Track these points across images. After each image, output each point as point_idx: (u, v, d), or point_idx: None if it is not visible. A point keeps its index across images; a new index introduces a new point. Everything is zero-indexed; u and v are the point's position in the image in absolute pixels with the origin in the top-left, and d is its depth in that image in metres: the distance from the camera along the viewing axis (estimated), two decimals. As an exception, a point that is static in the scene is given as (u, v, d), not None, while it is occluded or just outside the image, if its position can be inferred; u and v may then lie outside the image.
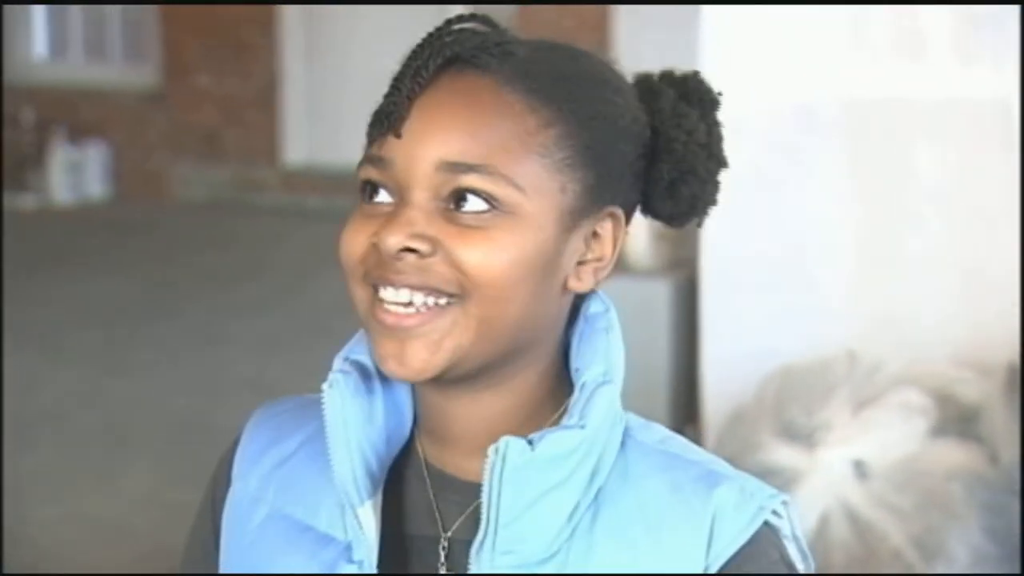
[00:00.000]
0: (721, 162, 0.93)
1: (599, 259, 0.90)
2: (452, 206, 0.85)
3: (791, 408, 2.66)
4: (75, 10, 7.82)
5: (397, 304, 0.85)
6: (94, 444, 4.12)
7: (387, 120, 0.86)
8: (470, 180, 0.85)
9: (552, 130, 0.87)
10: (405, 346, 0.86)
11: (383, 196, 0.87)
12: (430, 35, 0.88)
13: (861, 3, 2.90)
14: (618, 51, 5.45)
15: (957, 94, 2.92)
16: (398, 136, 0.86)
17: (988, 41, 2.87)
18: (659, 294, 3.30)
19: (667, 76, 0.93)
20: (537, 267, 0.87)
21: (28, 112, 7.54)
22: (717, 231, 2.91)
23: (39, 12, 7.84)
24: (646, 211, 0.93)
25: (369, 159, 0.87)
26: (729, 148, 0.94)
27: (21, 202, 7.31)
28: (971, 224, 2.94)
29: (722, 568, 0.87)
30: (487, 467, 0.86)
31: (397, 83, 0.87)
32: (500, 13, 7.17)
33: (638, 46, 5.18)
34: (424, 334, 0.85)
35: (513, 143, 0.86)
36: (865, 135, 2.97)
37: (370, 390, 0.91)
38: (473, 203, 0.85)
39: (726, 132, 0.94)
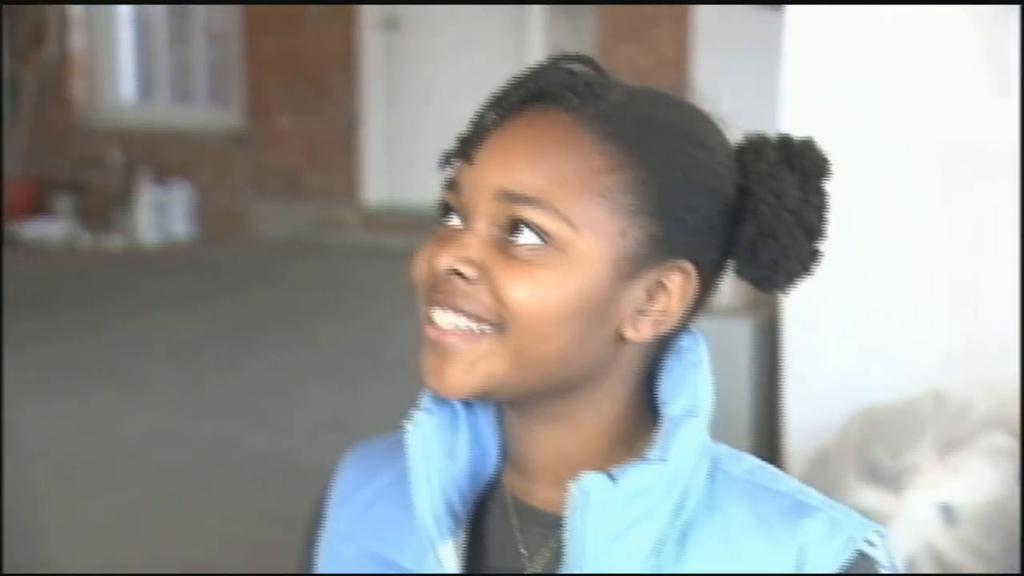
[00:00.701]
0: (812, 232, 0.92)
1: (662, 311, 0.89)
2: (508, 236, 0.86)
3: (876, 450, 2.62)
4: (163, 54, 8.00)
5: (442, 322, 0.87)
6: (178, 482, 4.15)
7: (463, 146, 0.88)
8: (525, 211, 0.85)
9: (620, 174, 0.87)
10: (443, 362, 0.87)
11: (455, 219, 0.89)
12: (529, 69, 0.90)
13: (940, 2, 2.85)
14: (696, 90, 5.42)
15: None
16: (470, 162, 0.87)
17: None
18: (740, 333, 3.28)
19: (781, 140, 0.93)
20: (583, 309, 0.87)
21: (116, 154, 7.69)
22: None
23: (127, 55, 8.02)
24: (735, 271, 0.93)
25: (447, 182, 0.89)
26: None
27: (108, 242, 7.45)
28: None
29: None
30: (569, 503, 0.86)
31: (482, 111, 0.89)
32: (578, 15, 7.17)
33: (717, 86, 5.16)
34: (460, 353, 0.87)
35: (574, 181, 0.86)
36: (954, 173, 2.93)
37: (455, 427, 0.93)
38: (527, 235, 0.86)
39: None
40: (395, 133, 7.39)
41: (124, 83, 8.03)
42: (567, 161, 0.86)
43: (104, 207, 7.61)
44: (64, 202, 7.68)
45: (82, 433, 4.51)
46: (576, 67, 0.91)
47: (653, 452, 0.88)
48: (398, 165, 7.39)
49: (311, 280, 6.77)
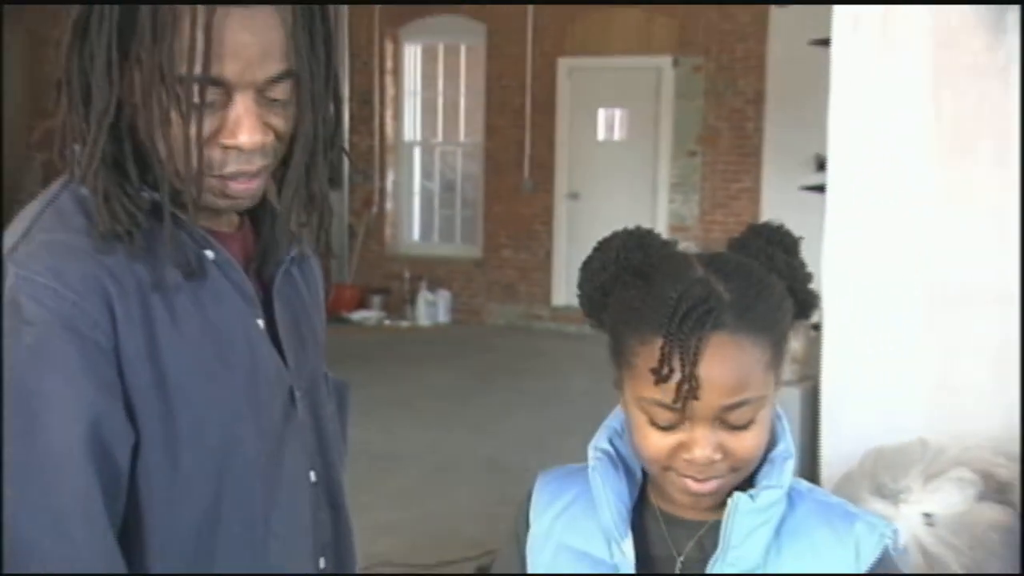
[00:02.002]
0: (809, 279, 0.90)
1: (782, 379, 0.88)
2: (729, 423, 0.83)
3: (882, 476, 2.55)
4: (436, 212, 8.21)
5: (703, 487, 0.86)
6: (442, 473, 4.19)
7: (681, 394, 0.81)
8: (741, 411, 0.83)
9: (772, 348, 0.84)
10: (700, 501, 0.87)
11: (667, 420, 0.83)
12: (691, 301, 0.81)
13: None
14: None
15: None
16: (697, 398, 0.82)
17: None
18: (793, 398, 3.23)
19: (768, 234, 0.91)
20: (770, 423, 0.86)
21: (406, 272, 7.91)
22: (832, 360, 2.85)
23: (416, 213, 8.24)
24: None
25: (657, 402, 0.82)
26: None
27: (401, 325, 7.63)
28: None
29: (868, 570, 0.86)
30: (726, 511, 0.85)
31: (671, 353, 0.81)
32: (689, 192, 7.12)
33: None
34: (713, 495, 0.86)
35: (758, 374, 0.83)
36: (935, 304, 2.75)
37: (615, 463, 0.92)
38: (742, 417, 0.84)
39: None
40: (573, 261, 7.50)
41: (413, 230, 8.24)
42: (749, 367, 0.83)
43: (399, 303, 7.80)
44: (376, 300, 7.86)
45: (385, 439, 4.59)
46: (701, 292, 0.82)
47: (771, 481, 0.86)
48: (574, 280, 7.45)
49: (519, 350, 6.81)
